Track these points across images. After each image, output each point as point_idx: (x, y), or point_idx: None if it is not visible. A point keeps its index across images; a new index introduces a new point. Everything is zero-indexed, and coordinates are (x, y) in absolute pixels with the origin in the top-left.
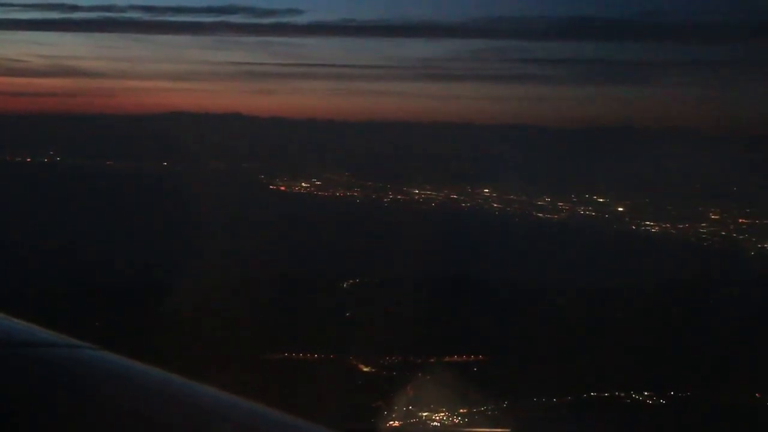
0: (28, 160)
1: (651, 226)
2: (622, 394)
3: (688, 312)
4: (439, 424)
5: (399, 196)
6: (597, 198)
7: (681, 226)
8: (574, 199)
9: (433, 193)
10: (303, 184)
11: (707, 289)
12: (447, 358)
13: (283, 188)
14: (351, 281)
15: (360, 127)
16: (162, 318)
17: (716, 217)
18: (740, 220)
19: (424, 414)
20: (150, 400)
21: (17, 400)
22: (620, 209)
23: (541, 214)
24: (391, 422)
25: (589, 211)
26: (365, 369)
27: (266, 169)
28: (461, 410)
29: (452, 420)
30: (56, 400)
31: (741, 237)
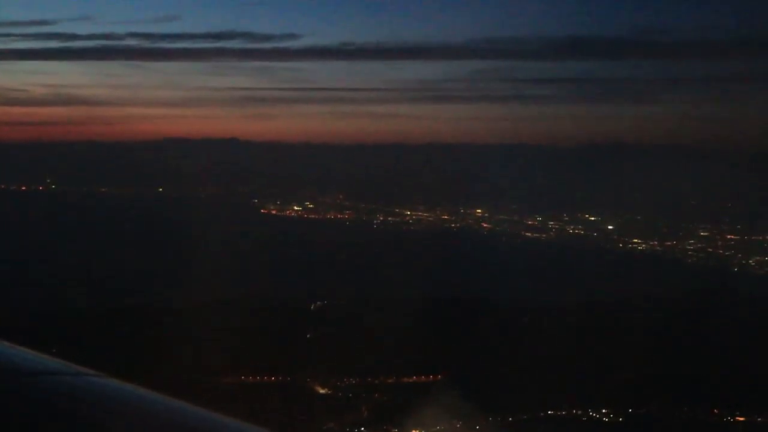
0: (23, 188)
1: (638, 243)
2: (580, 412)
3: (655, 329)
4: None
5: (389, 218)
6: (588, 216)
7: (668, 244)
8: (566, 218)
9: (425, 213)
10: (295, 207)
11: (679, 305)
12: (405, 379)
13: (274, 212)
14: (319, 302)
15: (355, 149)
16: (127, 340)
17: (705, 233)
18: (729, 237)
19: None
20: (155, 426)
21: (26, 429)
22: (610, 227)
23: (529, 234)
24: None
25: (578, 229)
26: (321, 391)
27: (260, 193)
28: (414, 430)
29: None
30: (64, 429)
31: (727, 254)
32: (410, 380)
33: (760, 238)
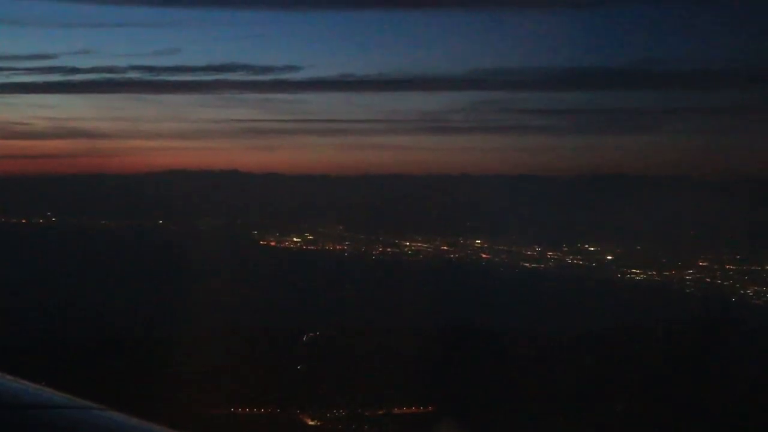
0: (24, 221)
1: (636, 274)
2: None
3: (648, 359)
4: None
5: (388, 249)
6: (588, 247)
7: (667, 274)
8: (565, 249)
9: (424, 245)
10: (294, 239)
11: (674, 335)
12: (396, 410)
13: (273, 243)
14: (311, 334)
15: (356, 180)
16: (116, 371)
17: (704, 263)
18: (727, 267)
19: None
20: None
21: None
22: (609, 258)
23: (527, 264)
24: None
25: (577, 260)
26: (311, 423)
27: (260, 225)
28: None
29: None
30: None
31: (725, 283)
32: (401, 411)
33: (759, 268)
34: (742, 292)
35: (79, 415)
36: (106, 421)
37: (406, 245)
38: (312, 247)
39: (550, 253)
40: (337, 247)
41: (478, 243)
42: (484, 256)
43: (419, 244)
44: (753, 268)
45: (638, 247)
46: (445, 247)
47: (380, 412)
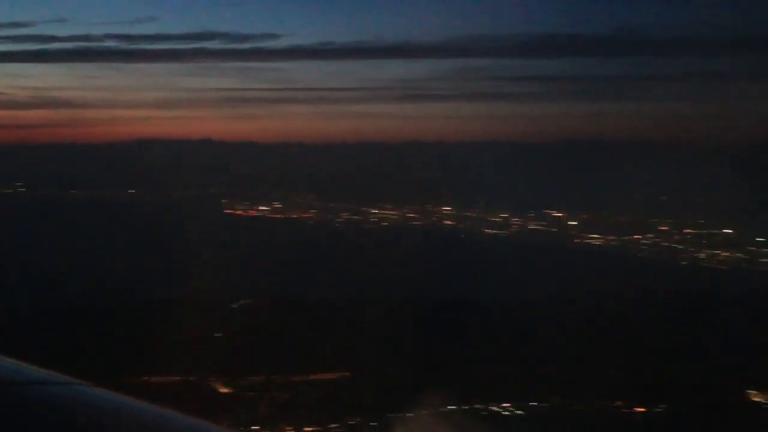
0: None
1: (595, 238)
2: (481, 406)
3: (575, 323)
4: None
5: (354, 216)
6: (555, 213)
7: (625, 238)
8: (531, 215)
9: (391, 212)
10: (261, 207)
11: (608, 299)
12: (312, 376)
13: (239, 212)
14: (242, 301)
15: (332, 149)
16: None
17: (665, 228)
18: (686, 231)
19: None
20: None
21: None
22: (572, 223)
23: (489, 230)
24: None
25: (540, 226)
26: (223, 390)
27: (231, 194)
28: (307, 428)
29: None
30: None
31: (680, 247)
32: (315, 377)
33: (717, 231)
34: (694, 255)
35: (64, 392)
36: (91, 397)
37: (373, 213)
38: (278, 216)
39: (514, 220)
40: (303, 215)
41: (446, 210)
42: (448, 222)
43: (387, 212)
44: (711, 231)
45: (604, 213)
46: (412, 215)
47: (294, 379)
